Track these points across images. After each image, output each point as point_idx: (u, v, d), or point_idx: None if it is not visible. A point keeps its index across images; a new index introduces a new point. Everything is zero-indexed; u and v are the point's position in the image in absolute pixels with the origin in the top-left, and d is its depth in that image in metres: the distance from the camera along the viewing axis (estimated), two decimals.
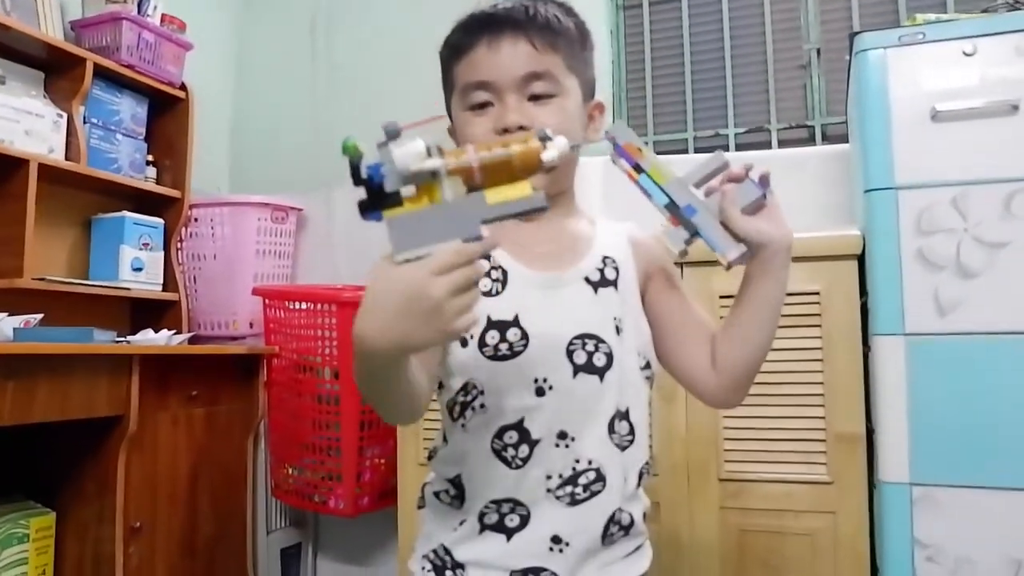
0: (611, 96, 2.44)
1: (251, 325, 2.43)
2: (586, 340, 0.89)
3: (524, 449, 0.87)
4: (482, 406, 0.88)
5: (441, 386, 0.94)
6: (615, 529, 0.90)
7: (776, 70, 2.32)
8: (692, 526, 1.62)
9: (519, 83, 0.91)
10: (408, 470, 1.87)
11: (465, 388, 0.90)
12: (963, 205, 1.45)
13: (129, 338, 2.02)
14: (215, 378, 2.14)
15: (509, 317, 0.88)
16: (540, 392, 0.87)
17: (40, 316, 1.86)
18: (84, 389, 1.74)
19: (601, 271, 0.93)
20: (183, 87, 2.44)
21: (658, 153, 2.39)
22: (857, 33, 1.60)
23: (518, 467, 0.87)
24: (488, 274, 0.91)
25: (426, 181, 0.69)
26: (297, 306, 2.18)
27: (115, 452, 1.82)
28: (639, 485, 0.94)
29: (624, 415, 0.91)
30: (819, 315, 1.57)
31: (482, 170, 0.69)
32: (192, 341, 2.24)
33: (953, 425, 1.42)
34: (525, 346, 0.88)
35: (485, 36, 0.92)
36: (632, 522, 0.92)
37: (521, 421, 0.87)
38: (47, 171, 2.01)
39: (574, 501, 0.87)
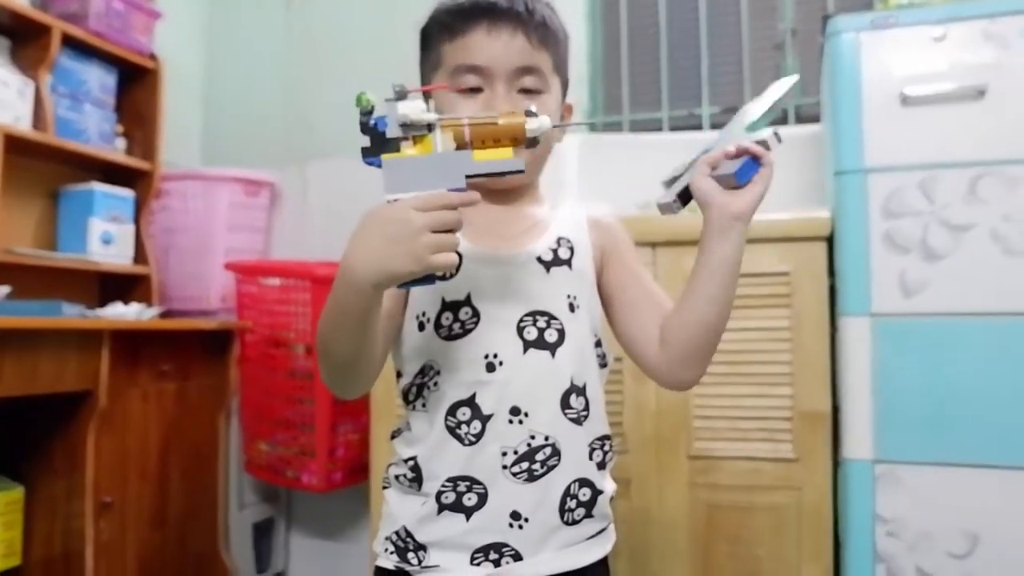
0: (587, 74, 2.44)
1: (223, 300, 2.42)
2: (537, 317, 0.91)
3: (476, 425, 0.88)
4: (436, 384, 0.90)
5: (400, 376, 0.96)
6: (573, 504, 0.90)
7: (751, 50, 2.33)
8: (662, 502, 1.65)
9: (512, 74, 0.92)
10: (381, 446, 1.87)
11: (423, 371, 0.92)
12: (930, 188, 1.47)
13: (99, 312, 2.00)
14: (186, 353, 2.12)
15: (461, 297, 0.91)
16: (491, 368, 0.89)
17: (7, 289, 1.84)
18: (53, 363, 1.72)
19: (555, 251, 0.94)
20: (153, 57, 2.40)
21: (633, 131, 2.41)
22: (830, 16, 1.61)
23: (471, 443, 0.88)
24: None
25: (422, 133, 0.78)
26: (270, 281, 2.17)
27: (85, 427, 1.81)
28: (604, 463, 0.95)
29: (581, 390, 0.92)
30: (788, 295, 1.59)
31: (472, 130, 0.78)
32: (163, 316, 2.22)
33: (915, 404, 1.46)
34: (476, 323, 0.90)
35: (485, 22, 0.92)
36: (593, 500, 0.92)
37: (473, 397, 0.88)
38: (13, 141, 1.97)
39: (532, 477, 0.88)
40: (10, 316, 1.67)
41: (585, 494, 0.91)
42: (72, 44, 2.17)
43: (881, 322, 1.48)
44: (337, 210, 2.57)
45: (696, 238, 0.90)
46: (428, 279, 0.77)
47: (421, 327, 0.91)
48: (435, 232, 0.74)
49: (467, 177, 0.77)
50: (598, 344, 0.97)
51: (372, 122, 0.79)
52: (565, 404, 0.90)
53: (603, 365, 0.98)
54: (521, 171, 0.78)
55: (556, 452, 0.89)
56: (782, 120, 2.27)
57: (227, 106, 2.84)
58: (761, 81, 2.31)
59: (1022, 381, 1.40)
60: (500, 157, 0.78)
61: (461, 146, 0.78)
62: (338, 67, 2.67)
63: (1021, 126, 1.44)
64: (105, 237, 2.21)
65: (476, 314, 0.90)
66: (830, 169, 1.63)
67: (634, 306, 0.97)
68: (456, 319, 0.90)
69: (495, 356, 0.89)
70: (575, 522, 0.91)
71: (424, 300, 0.92)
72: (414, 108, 0.77)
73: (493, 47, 0.92)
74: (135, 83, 2.40)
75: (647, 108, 2.42)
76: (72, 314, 1.80)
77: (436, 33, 0.97)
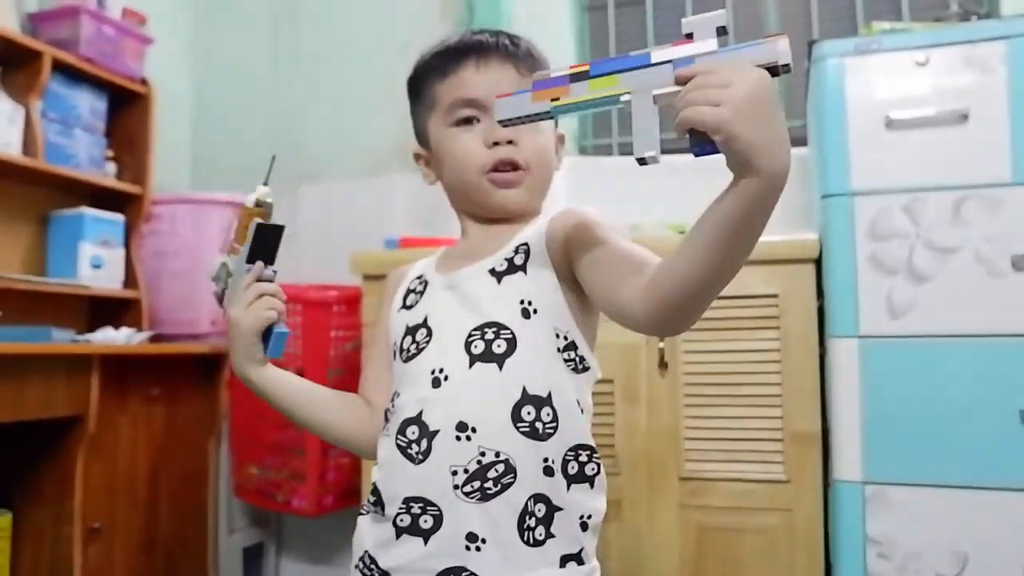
0: None
1: (213, 324, 2.41)
2: (485, 330, 0.89)
3: (424, 442, 0.86)
4: (393, 407, 0.92)
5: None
6: (532, 522, 0.84)
7: None
8: (652, 523, 1.65)
9: None
10: (372, 470, 1.87)
11: (392, 397, 0.94)
12: (915, 211, 1.49)
13: (89, 336, 1.99)
14: (176, 377, 2.12)
15: (420, 320, 0.94)
16: (436, 383, 0.88)
17: None
18: (42, 389, 1.72)
19: (510, 259, 0.92)
20: (144, 82, 2.41)
21: (622, 154, 2.42)
22: (815, 41, 1.64)
23: (420, 461, 0.86)
24: (415, 289, 0.99)
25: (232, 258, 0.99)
26: None
27: (74, 453, 1.80)
28: (584, 475, 0.89)
29: (542, 400, 0.87)
30: (777, 317, 1.60)
31: (232, 234, 1.00)
32: (153, 340, 2.22)
33: (904, 425, 1.46)
34: (428, 342, 0.92)
35: (473, 58, 0.96)
36: (549, 516, 0.85)
37: (420, 414, 0.88)
38: (3, 166, 1.97)
39: (485, 496, 0.84)
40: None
41: (540, 509, 0.85)
42: (63, 70, 2.18)
43: (869, 344, 1.50)
44: (327, 233, 2.58)
45: None
46: (271, 344, 0.93)
47: (395, 355, 0.96)
48: (251, 311, 0.93)
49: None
50: (570, 347, 0.90)
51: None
52: (516, 417, 0.85)
53: (580, 370, 0.91)
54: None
55: (510, 469, 0.84)
56: None
57: (216, 130, 2.85)
58: None
59: (1008, 401, 1.41)
60: (243, 242, 0.95)
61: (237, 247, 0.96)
62: (327, 91, 2.69)
63: (1003, 150, 1.46)
64: (95, 261, 2.21)
65: (429, 334, 0.92)
66: (817, 192, 1.65)
67: (607, 272, 0.84)
68: (413, 341, 0.93)
69: (440, 371, 0.89)
70: (537, 542, 0.84)
71: (394, 329, 0.97)
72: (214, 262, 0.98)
73: (485, 79, 0.94)
74: (125, 108, 2.41)
75: None
76: (62, 339, 1.80)
77: (426, 76, 1.00)
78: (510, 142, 0.93)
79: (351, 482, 2.11)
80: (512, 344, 0.88)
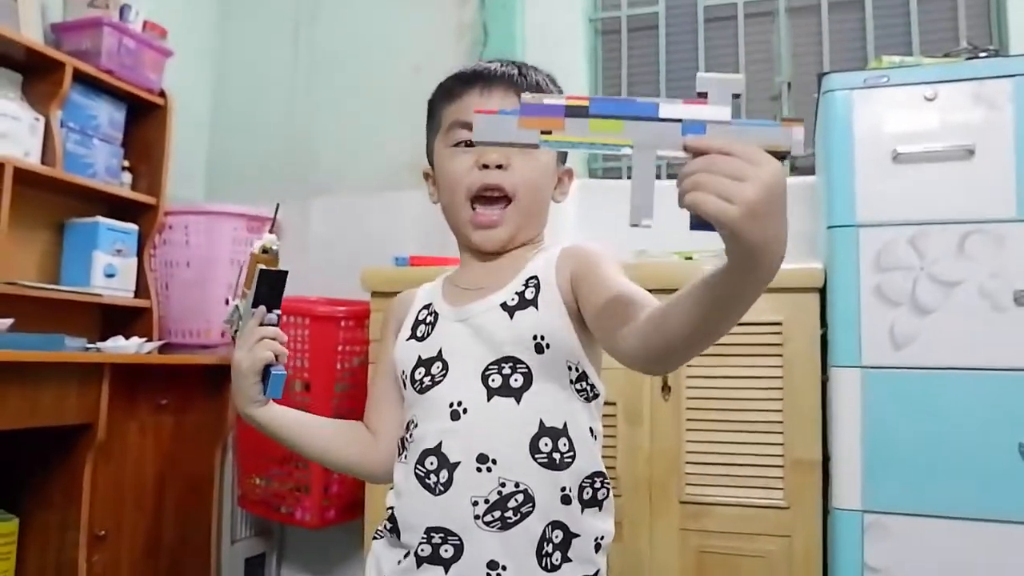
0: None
1: (223, 334, 2.43)
2: (502, 364, 0.92)
3: (444, 473, 0.89)
4: (411, 436, 0.95)
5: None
6: (550, 548, 0.88)
7: (748, 100, 2.38)
8: (652, 547, 1.66)
9: None
10: (388, 494, 1.88)
11: (407, 425, 0.97)
12: (920, 244, 1.51)
13: (99, 345, 2.02)
14: (185, 387, 2.14)
15: (434, 353, 0.96)
16: (455, 416, 0.91)
17: (10, 321, 1.86)
18: (54, 396, 1.74)
19: (520, 293, 0.95)
20: (162, 94, 2.44)
21: (631, 178, 2.44)
22: (825, 73, 1.66)
23: (440, 493, 0.89)
24: (424, 320, 1.01)
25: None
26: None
27: (82, 460, 1.82)
28: (597, 500, 0.93)
29: (559, 431, 0.90)
30: (781, 344, 1.62)
31: (242, 278, 1.05)
32: (163, 349, 2.24)
33: (904, 456, 1.48)
34: (445, 375, 0.94)
35: (479, 84, 1.00)
36: (567, 541, 0.89)
37: (439, 445, 0.90)
38: (22, 174, 2.01)
39: (505, 525, 0.87)
40: (13, 350, 1.69)
41: (558, 536, 0.89)
42: (83, 80, 2.22)
43: (871, 374, 1.51)
44: (337, 247, 2.61)
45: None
46: (269, 384, 0.99)
47: (404, 385, 0.99)
48: (251, 353, 0.98)
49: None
50: (581, 378, 0.94)
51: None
52: (535, 449, 0.89)
53: (591, 398, 0.95)
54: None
55: (529, 498, 0.88)
56: None
57: (231, 143, 2.88)
58: None
59: (1008, 435, 1.42)
60: (251, 287, 1.00)
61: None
62: (342, 107, 2.73)
63: (1008, 186, 1.48)
64: (108, 270, 2.24)
65: (445, 367, 0.94)
66: (823, 222, 1.66)
67: (607, 313, 0.86)
68: (428, 373, 0.95)
69: (459, 404, 0.91)
70: (555, 567, 0.88)
71: (404, 359, 0.99)
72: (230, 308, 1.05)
73: (486, 104, 0.97)
74: (143, 118, 2.44)
75: None
76: (74, 348, 1.82)
77: (439, 99, 1.05)
78: (500, 166, 0.96)
79: (354, 496, 2.13)
80: (528, 378, 0.91)
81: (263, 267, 0.99)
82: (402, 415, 1.00)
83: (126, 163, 2.40)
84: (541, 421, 0.90)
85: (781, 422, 1.61)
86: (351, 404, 2.08)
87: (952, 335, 1.48)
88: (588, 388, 0.95)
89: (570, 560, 0.90)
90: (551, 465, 0.89)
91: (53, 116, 2.13)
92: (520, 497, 0.88)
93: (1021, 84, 1.50)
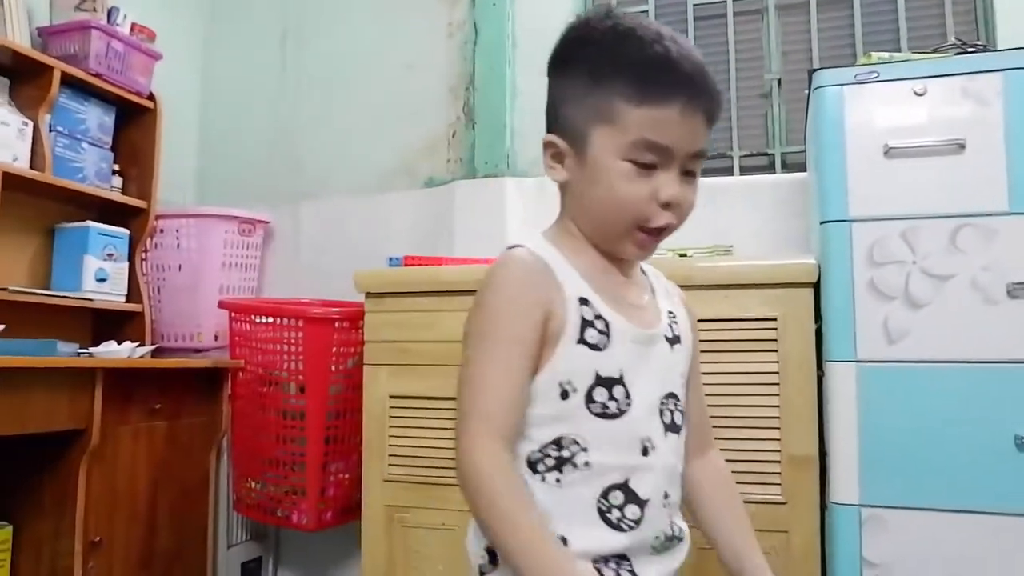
0: None
1: (216, 338, 2.43)
2: (670, 400, 0.93)
3: (634, 510, 0.87)
4: (586, 464, 0.86)
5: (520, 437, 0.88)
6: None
7: (739, 97, 2.39)
8: None
9: (688, 158, 0.87)
10: (372, 485, 1.88)
11: (559, 442, 0.86)
12: (912, 238, 1.52)
13: (92, 350, 2.00)
14: (178, 391, 2.13)
15: (615, 375, 0.88)
16: (645, 452, 0.88)
17: (1, 327, 1.84)
18: (45, 402, 1.73)
19: (671, 326, 0.96)
20: (151, 97, 2.43)
21: None
22: (816, 70, 1.66)
23: (630, 528, 0.86)
24: (592, 324, 0.88)
25: None
26: (263, 320, 2.18)
27: (76, 466, 1.81)
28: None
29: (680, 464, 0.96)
30: (775, 340, 1.62)
31: None
32: (156, 353, 2.23)
33: (901, 449, 1.48)
34: (630, 405, 0.88)
35: (683, 99, 0.84)
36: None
37: (627, 481, 0.87)
38: (11, 179, 1.99)
39: (665, 552, 0.91)
40: (3, 355, 1.68)
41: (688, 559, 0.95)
42: (71, 84, 2.21)
43: (866, 368, 1.52)
44: (328, 250, 2.60)
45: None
46: None
47: (565, 396, 0.86)
48: None
49: None
50: None
51: None
52: (681, 483, 0.95)
53: None
54: None
55: (683, 531, 0.94)
56: (770, 166, 2.33)
57: (221, 146, 2.87)
58: (748, 128, 2.37)
59: (1003, 427, 1.43)
60: None
61: None
62: (331, 109, 2.72)
63: (999, 179, 1.48)
64: (100, 275, 2.23)
65: (628, 395, 0.88)
66: (816, 218, 1.67)
67: (687, 414, 0.98)
68: (611, 397, 0.87)
69: (648, 439, 0.89)
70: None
71: (574, 368, 0.86)
72: None
73: (683, 128, 0.85)
74: (133, 122, 2.44)
75: None
76: (67, 353, 1.81)
77: (613, 81, 0.85)
78: (668, 204, 0.87)
79: (351, 497, 2.12)
80: (683, 416, 0.95)
81: None
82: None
83: (116, 167, 2.39)
84: (682, 457, 0.95)
85: (777, 417, 1.61)
86: (345, 405, 2.08)
87: (945, 328, 1.48)
88: None
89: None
90: (681, 499, 0.96)
91: (41, 120, 2.11)
92: (678, 528, 0.93)
93: (1010, 78, 1.51)
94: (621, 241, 0.90)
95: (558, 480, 0.86)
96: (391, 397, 1.87)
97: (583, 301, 0.88)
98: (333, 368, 2.08)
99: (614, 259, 0.94)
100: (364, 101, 2.66)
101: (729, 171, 2.35)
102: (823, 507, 1.59)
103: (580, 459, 0.86)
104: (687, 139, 0.85)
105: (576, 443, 0.86)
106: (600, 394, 0.86)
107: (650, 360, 0.90)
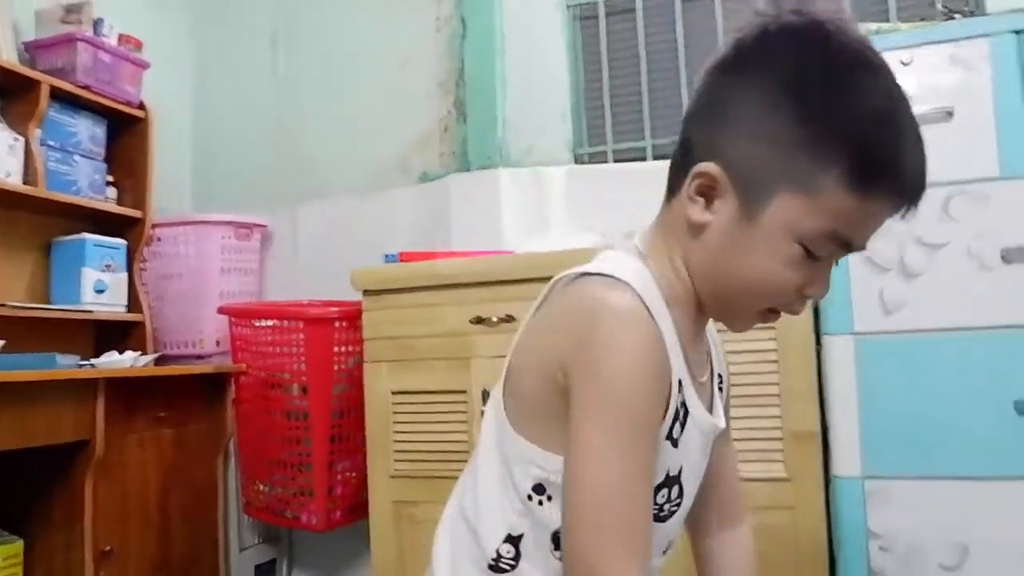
0: (569, 106, 2.48)
1: (217, 343, 2.44)
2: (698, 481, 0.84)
3: None
4: None
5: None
6: None
7: None
8: None
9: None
10: (379, 483, 1.89)
11: None
12: None
13: (94, 361, 2.01)
14: (182, 398, 2.14)
15: (676, 471, 0.76)
16: (664, 552, 0.82)
17: (1, 343, 1.85)
18: (49, 415, 1.74)
19: (720, 398, 0.86)
20: (142, 106, 2.43)
21: (617, 161, 2.44)
22: None
23: None
24: (678, 414, 0.74)
25: None
26: (264, 323, 2.19)
27: (82, 477, 1.82)
28: None
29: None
30: None
31: None
32: (158, 361, 2.24)
33: (901, 420, 1.48)
34: (678, 506, 0.79)
35: (902, 204, 0.72)
36: None
37: None
38: (4, 195, 2.01)
39: None
40: (4, 371, 1.68)
41: None
42: (60, 97, 2.21)
43: (864, 340, 1.51)
44: (328, 249, 2.61)
45: None
46: None
47: None
48: None
49: None
50: None
51: None
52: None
53: None
54: None
55: None
56: None
57: (217, 150, 2.88)
58: None
59: (1002, 392, 1.43)
60: None
61: None
62: (326, 108, 2.72)
63: (989, 145, 1.48)
64: (98, 286, 2.24)
65: (681, 494, 0.78)
66: None
67: (715, 482, 0.89)
68: (668, 499, 0.77)
69: (670, 543, 0.82)
70: None
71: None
72: None
73: (877, 228, 0.72)
74: (124, 132, 2.44)
75: (631, 138, 2.47)
76: (66, 365, 1.82)
77: (838, 152, 0.67)
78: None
79: (358, 496, 2.13)
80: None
81: None
82: None
83: (110, 178, 2.39)
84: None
85: (778, 394, 1.61)
86: (349, 404, 2.08)
87: (941, 297, 1.48)
88: None
89: None
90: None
91: (32, 135, 2.12)
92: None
93: (997, 43, 1.50)
94: (743, 318, 0.77)
95: None
96: (393, 393, 1.88)
97: (679, 384, 0.74)
98: (336, 368, 2.09)
99: (702, 318, 0.79)
100: (355, 99, 2.66)
101: None
102: (827, 481, 1.59)
103: None
104: (870, 237, 0.72)
105: None
106: (661, 496, 0.75)
107: (702, 453, 0.79)
